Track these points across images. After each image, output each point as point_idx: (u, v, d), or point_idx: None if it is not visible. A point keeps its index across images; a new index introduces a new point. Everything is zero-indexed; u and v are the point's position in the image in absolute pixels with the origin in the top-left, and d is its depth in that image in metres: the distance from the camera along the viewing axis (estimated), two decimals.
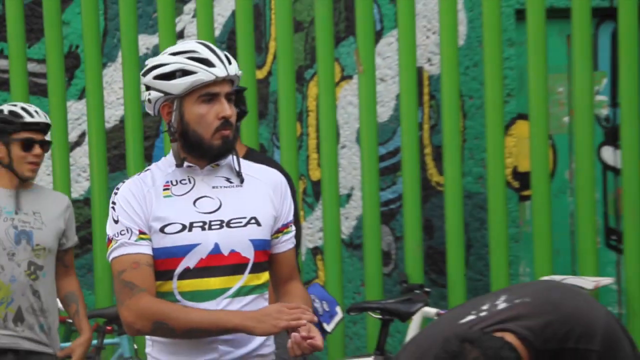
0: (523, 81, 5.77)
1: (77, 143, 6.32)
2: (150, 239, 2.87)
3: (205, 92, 2.64)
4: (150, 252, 2.87)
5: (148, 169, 2.99)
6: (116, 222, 2.77)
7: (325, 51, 5.39)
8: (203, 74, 2.62)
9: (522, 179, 5.99)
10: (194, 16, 6.01)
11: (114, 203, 2.76)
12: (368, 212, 5.33)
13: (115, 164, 6.02)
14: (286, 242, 3.09)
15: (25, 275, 4.21)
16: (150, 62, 2.71)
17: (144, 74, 2.67)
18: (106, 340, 5.52)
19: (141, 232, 2.85)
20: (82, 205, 5.93)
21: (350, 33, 5.87)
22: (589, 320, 2.47)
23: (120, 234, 2.80)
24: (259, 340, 3.09)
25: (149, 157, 5.92)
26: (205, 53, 2.69)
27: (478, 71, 5.81)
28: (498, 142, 5.32)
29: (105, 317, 5.39)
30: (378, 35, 6.01)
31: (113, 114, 6.23)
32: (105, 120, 5.72)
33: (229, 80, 2.75)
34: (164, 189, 2.93)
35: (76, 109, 6.12)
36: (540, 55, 5.21)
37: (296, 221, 3.31)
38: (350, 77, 6.11)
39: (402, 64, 5.37)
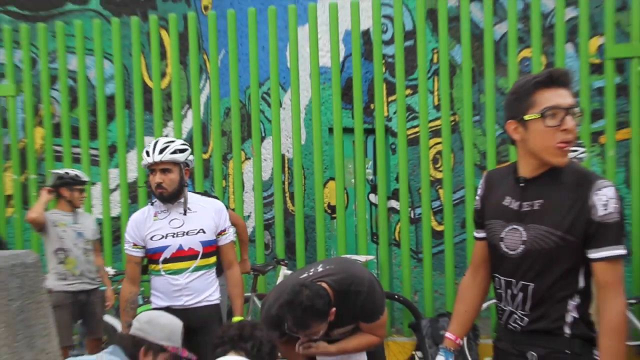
0: None
1: None
2: (141, 247, 4.66)
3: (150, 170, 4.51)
4: (139, 254, 4.75)
5: (148, 205, 4.75)
6: (127, 235, 4.65)
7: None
8: (144, 160, 4.41)
9: None
10: None
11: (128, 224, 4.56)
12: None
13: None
14: (224, 239, 4.80)
15: (82, 254, 6.44)
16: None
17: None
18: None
19: (135, 244, 4.70)
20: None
21: None
22: (361, 276, 4.02)
23: (126, 242, 4.64)
24: (210, 290, 4.80)
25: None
26: (149, 147, 4.47)
27: None
28: None
29: None
30: None
31: None
32: None
33: (160, 162, 4.55)
34: (154, 216, 4.67)
35: None
36: None
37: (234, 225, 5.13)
38: None
39: None
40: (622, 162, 7.67)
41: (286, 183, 8.43)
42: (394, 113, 7.90)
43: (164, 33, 8.35)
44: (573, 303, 2.84)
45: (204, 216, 4.72)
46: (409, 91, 7.93)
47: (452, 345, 3.23)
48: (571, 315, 2.84)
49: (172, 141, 4.70)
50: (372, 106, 7.76)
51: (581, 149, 6.25)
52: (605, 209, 2.73)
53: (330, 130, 7.89)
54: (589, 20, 7.39)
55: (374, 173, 8.04)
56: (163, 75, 8.47)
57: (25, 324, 2.61)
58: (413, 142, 8.07)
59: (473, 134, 7.52)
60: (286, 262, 7.50)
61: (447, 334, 3.23)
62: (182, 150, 4.71)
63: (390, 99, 8.27)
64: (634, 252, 7.34)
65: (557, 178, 2.84)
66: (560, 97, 2.73)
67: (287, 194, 8.37)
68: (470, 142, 7.48)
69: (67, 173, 6.65)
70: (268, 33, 7.70)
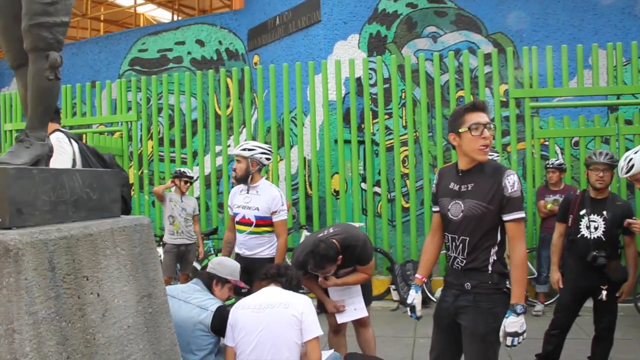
0: None
1: None
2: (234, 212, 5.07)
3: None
4: (232, 214, 5.09)
5: (236, 185, 5.09)
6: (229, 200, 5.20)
7: None
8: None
9: None
10: None
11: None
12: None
13: None
14: (275, 217, 4.85)
15: (184, 221, 7.35)
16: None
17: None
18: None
19: (230, 207, 5.14)
20: None
21: None
22: (357, 236, 4.39)
23: (229, 206, 5.17)
24: (261, 249, 4.83)
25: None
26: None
27: None
28: None
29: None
30: None
31: None
32: None
33: (236, 155, 4.88)
34: (240, 192, 5.00)
35: None
36: None
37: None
38: None
39: None
40: (520, 163, 8.49)
41: (306, 176, 9.02)
42: (377, 130, 8.63)
43: (229, 80, 9.24)
44: (493, 250, 3.00)
45: (262, 199, 4.89)
46: (386, 116, 8.62)
47: (419, 283, 3.37)
48: (492, 258, 3.00)
49: (247, 143, 5.03)
50: (362, 126, 8.55)
51: (496, 154, 6.86)
52: (512, 188, 2.92)
53: (335, 141, 8.63)
54: (499, 74, 8.22)
55: (364, 169, 8.80)
56: (228, 106, 9.43)
57: (143, 262, 2.67)
58: (389, 149, 8.71)
59: (428, 144, 8.32)
60: (306, 227, 8.22)
61: (417, 275, 3.41)
62: (249, 149, 4.90)
63: (374, 121, 8.86)
64: (528, 219, 7.94)
65: (482, 169, 3.03)
66: (480, 117, 2.99)
67: (307, 183, 9.03)
68: (427, 149, 8.29)
69: (180, 170, 7.42)
70: (295, 79, 8.51)
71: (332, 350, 4.12)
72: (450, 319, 3.13)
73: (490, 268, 2.97)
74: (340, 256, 4.12)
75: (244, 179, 4.88)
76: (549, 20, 9.32)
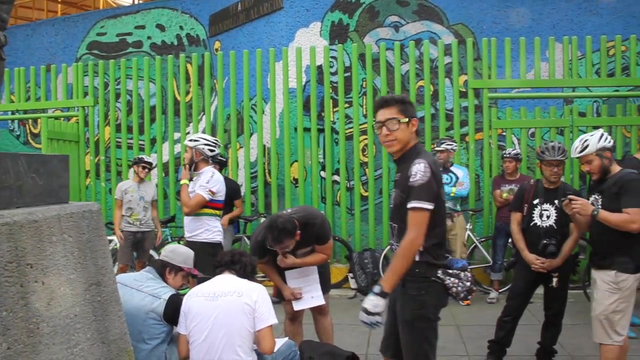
0: None
1: None
2: None
3: None
4: None
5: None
6: None
7: None
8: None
9: None
10: None
11: None
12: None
13: None
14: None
15: (143, 209, 7.34)
16: None
17: None
18: None
19: None
20: None
21: None
22: (316, 214, 4.42)
23: None
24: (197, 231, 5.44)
25: None
26: None
27: None
28: None
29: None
30: None
31: None
32: None
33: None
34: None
35: None
36: None
37: None
38: None
39: None
40: (478, 153, 8.58)
41: (266, 163, 9.02)
42: (337, 119, 8.63)
43: (189, 66, 8.99)
44: None
45: (197, 184, 5.25)
46: (347, 105, 8.69)
47: None
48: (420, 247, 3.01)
49: (194, 135, 5.58)
50: (322, 114, 8.59)
51: (455, 144, 6.63)
52: (414, 177, 2.88)
53: (295, 129, 8.64)
54: (458, 65, 8.30)
55: (324, 157, 8.69)
56: (187, 93, 9.30)
57: (91, 249, 2.62)
58: (349, 138, 8.69)
59: None
60: (265, 215, 8.09)
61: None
62: (194, 140, 5.26)
63: (334, 109, 8.82)
64: (484, 208, 8.02)
65: (408, 159, 3.02)
66: (380, 115, 3.06)
67: (266, 171, 9.02)
68: None
69: (138, 156, 7.44)
70: (256, 66, 8.46)
71: (287, 338, 4.12)
72: (393, 306, 3.16)
73: (417, 257, 2.95)
74: (299, 231, 4.12)
75: (190, 167, 5.24)
76: (509, 13, 9.38)
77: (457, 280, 2.98)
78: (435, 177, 2.93)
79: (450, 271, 3.00)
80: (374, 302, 2.84)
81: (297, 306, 4.46)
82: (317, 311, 4.57)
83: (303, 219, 4.23)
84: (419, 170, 2.85)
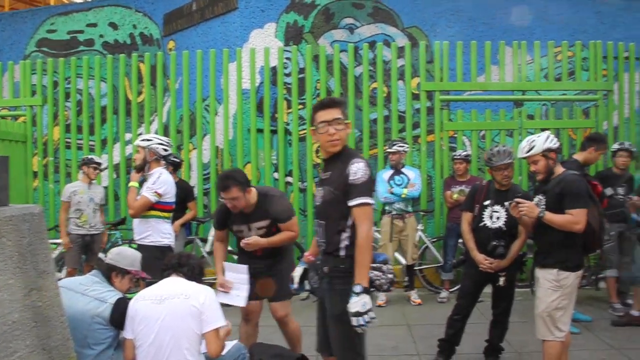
0: None
1: None
2: None
3: None
4: None
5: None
6: None
7: None
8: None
9: None
10: None
11: None
12: None
13: None
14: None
15: (92, 211, 7.18)
16: None
17: None
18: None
19: None
20: None
21: None
22: (275, 190, 4.54)
23: None
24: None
25: None
26: None
27: None
28: None
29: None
30: None
31: None
32: None
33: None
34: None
35: None
36: None
37: None
38: None
39: None
40: (430, 155, 8.69)
41: (219, 165, 8.96)
42: (291, 120, 8.65)
43: (141, 65, 8.80)
44: (345, 235, 3.06)
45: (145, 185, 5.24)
46: (300, 106, 8.74)
47: (305, 259, 3.58)
48: (344, 242, 3.05)
49: (146, 135, 5.25)
50: (276, 115, 8.55)
51: (406, 145, 6.71)
52: (355, 175, 2.99)
53: (248, 130, 8.62)
54: (411, 67, 8.37)
55: (277, 159, 8.57)
56: (140, 93, 9.22)
57: (32, 253, 2.58)
58: (302, 139, 8.67)
59: None
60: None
61: (306, 254, 3.62)
62: (147, 140, 5.15)
63: (288, 111, 8.79)
64: (435, 209, 8.12)
65: (339, 158, 3.12)
66: (327, 115, 3.11)
67: (219, 172, 8.41)
68: None
69: (88, 157, 7.22)
70: (209, 66, 8.42)
71: (236, 341, 4.09)
72: (322, 303, 3.23)
73: (342, 253, 3.05)
74: (251, 188, 4.21)
75: (142, 167, 5.12)
76: (462, 17, 9.56)
77: (380, 273, 3.07)
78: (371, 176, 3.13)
79: (374, 264, 3.07)
80: (360, 301, 2.87)
81: (219, 298, 4.32)
82: (278, 319, 4.53)
83: (262, 189, 4.39)
84: (359, 169, 2.98)
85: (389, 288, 3.14)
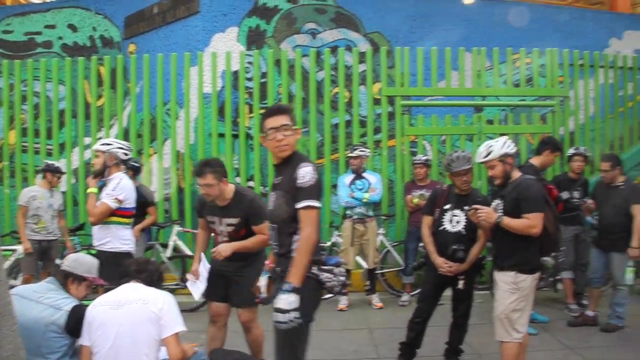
0: None
1: None
2: None
3: None
4: None
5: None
6: None
7: None
8: None
9: None
10: None
11: None
12: None
13: None
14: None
15: (51, 217, 7.06)
16: None
17: None
18: None
19: None
20: None
21: None
22: (250, 191, 4.54)
23: None
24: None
25: None
26: None
27: None
28: None
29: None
30: None
31: None
32: None
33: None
34: None
35: None
36: None
37: None
38: None
39: None
40: (391, 160, 8.70)
41: (179, 170, 8.82)
42: (252, 124, 8.63)
43: (101, 68, 8.79)
44: (297, 237, 3.09)
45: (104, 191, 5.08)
46: (262, 110, 8.39)
47: (267, 268, 3.49)
48: (296, 244, 3.08)
49: (105, 139, 5.24)
50: (237, 120, 8.52)
51: (367, 150, 6.73)
52: (303, 179, 3.06)
53: (210, 135, 8.53)
54: (373, 72, 8.47)
55: (238, 163, 8.48)
56: (99, 96, 8.99)
57: None
58: None
59: (302, 139, 8.16)
60: (179, 221, 7.89)
61: (266, 262, 3.57)
62: (107, 144, 5.09)
63: (250, 115, 8.79)
64: (396, 213, 8.18)
65: (290, 163, 3.17)
66: (274, 121, 3.17)
67: (180, 177, 8.82)
68: (301, 144, 8.29)
69: (54, 165, 7.10)
70: (171, 70, 8.35)
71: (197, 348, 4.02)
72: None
73: (294, 254, 3.06)
74: (226, 179, 4.27)
75: (102, 172, 5.05)
76: (424, 23, 9.69)
77: (331, 275, 3.14)
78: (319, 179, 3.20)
79: (325, 267, 3.16)
80: (287, 299, 2.90)
81: (189, 284, 4.68)
82: (241, 322, 4.49)
83: (241, 188, 4.51)
84: (307, 173, 3.05)
85: (340, 290, 3.21)
